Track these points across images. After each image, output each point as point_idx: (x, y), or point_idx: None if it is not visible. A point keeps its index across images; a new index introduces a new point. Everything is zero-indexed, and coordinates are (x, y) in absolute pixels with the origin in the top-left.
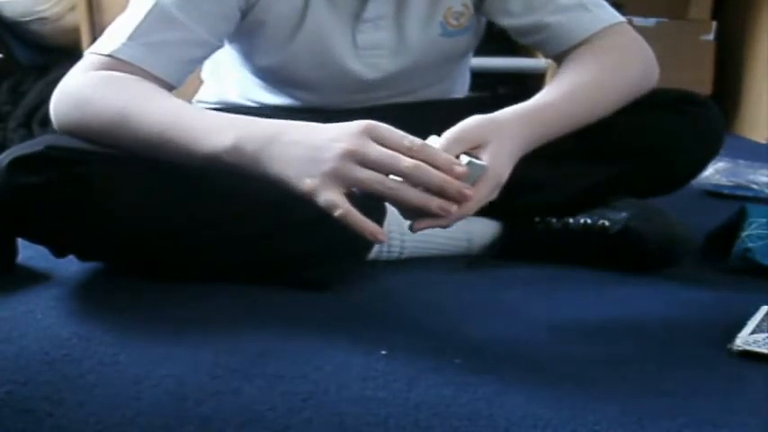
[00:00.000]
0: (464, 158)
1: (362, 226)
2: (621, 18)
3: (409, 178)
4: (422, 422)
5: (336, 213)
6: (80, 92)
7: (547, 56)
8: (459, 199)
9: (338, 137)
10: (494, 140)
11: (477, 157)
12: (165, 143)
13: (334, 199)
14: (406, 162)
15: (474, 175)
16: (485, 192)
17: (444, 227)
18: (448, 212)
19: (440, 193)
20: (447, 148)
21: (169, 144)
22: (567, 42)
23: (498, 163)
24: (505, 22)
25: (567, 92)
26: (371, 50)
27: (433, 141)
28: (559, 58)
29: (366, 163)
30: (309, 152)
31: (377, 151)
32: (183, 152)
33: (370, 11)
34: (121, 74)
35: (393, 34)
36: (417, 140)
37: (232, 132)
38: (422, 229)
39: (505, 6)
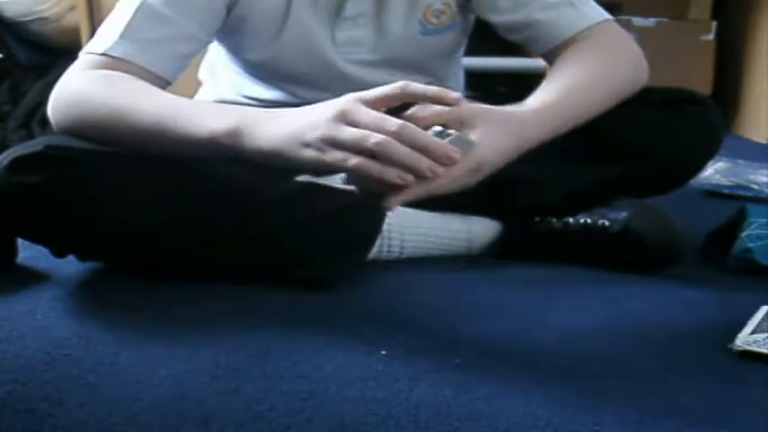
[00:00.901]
0: (452, 132)
1: (383, 173)
2: (609, 16)
3: (396, 138)
4: (422, 422)
5: (351, 164)
6: (77, 91)
7: (535, 53)
8: (446, 162)
9: (329, 104)
10: (486, 127)
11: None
12: (163, 132)
13: (340, 155)
14: (393, 121)
15: (464, 148)
16: (461, 169)
17: (409, 200)
18: (436, 174)
19: (426, 155)
20: (437, 115)
21: (167, 132)
22: (554, 39)
23: (486, 150)
24: (494, 18)
25: (560, 94)
26: (349, 47)
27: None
28: (548, 55)
29: (355, 123)
30: (302, 122)
31: (364, 112)
32: (182, 139)
33: (350, 9)
34: (116, 72)
35: (372, 32)
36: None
37: (229, 116)
38: (395, 204)
39: (494, 3)
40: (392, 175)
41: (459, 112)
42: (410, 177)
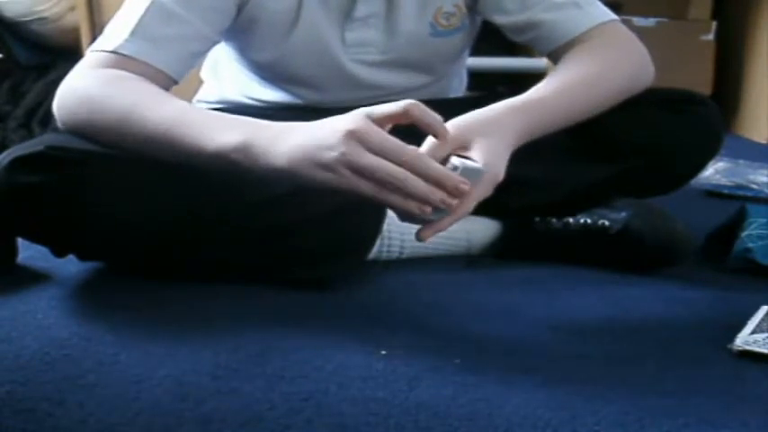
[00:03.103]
0: (457, 161)
1: (406, 205)
2: (614, 16)
3: (410, 168)
4: (422, 422)
5: (367, 192)
6: (86, 91)
7: (541, 53)
8: (455, 194)
9: (342, 123)
10: (483, 137)
11: (470, 159)
12: (171, 141)
13: (357, 181)
14: (410, 151)
15: (470, 179)
16: (481, 191)
17: (443, 230)
18: (449, 206)
19: (437, 186)
20: (433, 152)
21: (175, 142)
22: (559, 39)
23: (492, 160)
24: (500, 19)
25: (558, 87)
26: (359, 48)
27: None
28: (553, 55)
29: (371, 146)
30: (316, 143)
31: (381, 137)
32: (189, 150)
33: (360, 10)
34: (127, 73)
35: (382, 33)
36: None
37: (239, 131)
38: (428, 236)
39: (500, 4)
40: (413, 207)
41: (458, 139)
42: (428, 209)
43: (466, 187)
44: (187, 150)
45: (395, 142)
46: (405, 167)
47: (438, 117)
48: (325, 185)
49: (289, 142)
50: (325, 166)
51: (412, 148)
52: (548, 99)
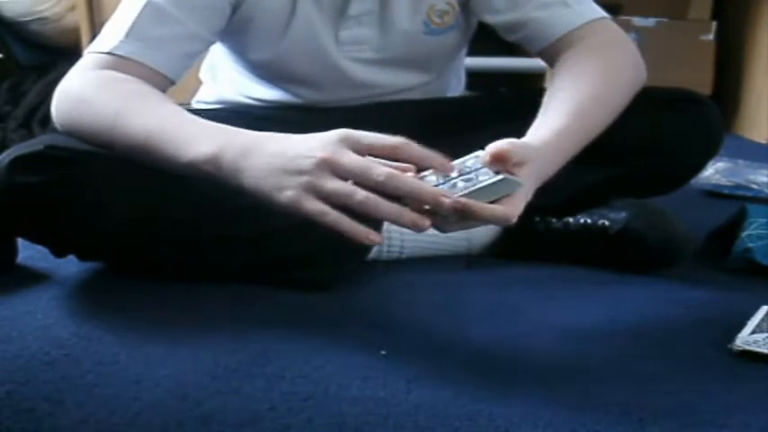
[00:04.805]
0: (500, 173)
1: (355, 231)
2: (604, 14)
3: (383, 189)
4: (422, 422)
5: (327, 220)
6: (81, 92)
7: (532, 52)
8: (435, 206)
9: (315, 147)
10: (532, 163)
11: (510, 173)
12: (149, 150)
13: (319, 208)
14: (379, 170)
15: (509, 190)
16: (520, 207)
17: (471, 227)
18: (421, 227)
19: (415, 200)
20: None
21: (152, 151)
22: (549, 38)
23: (530, 183)
24: (491, 18)
25: (570, 117)
26: (353, 46)
27: (479, 155)
28: (544, 54)
29: (340, 172)
30: (285, 163)
31: (350, 160)
32: (166, 159)
33: (354, 8)
34: (122, 74)
35: (376, 31)
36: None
37: (211, 142)
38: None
39: (490, 3)
40: (361, 234)
41: (520, 156)
42: (379, 239)
43: (446, 200)
44: (164, 159)
45: (365, 164)
46: (377, 187)
47: (430, 152)
48: (286, 209)
49: (257, 160)
50: (291, 191)
51: (382, 167)
52: (562, 134)
